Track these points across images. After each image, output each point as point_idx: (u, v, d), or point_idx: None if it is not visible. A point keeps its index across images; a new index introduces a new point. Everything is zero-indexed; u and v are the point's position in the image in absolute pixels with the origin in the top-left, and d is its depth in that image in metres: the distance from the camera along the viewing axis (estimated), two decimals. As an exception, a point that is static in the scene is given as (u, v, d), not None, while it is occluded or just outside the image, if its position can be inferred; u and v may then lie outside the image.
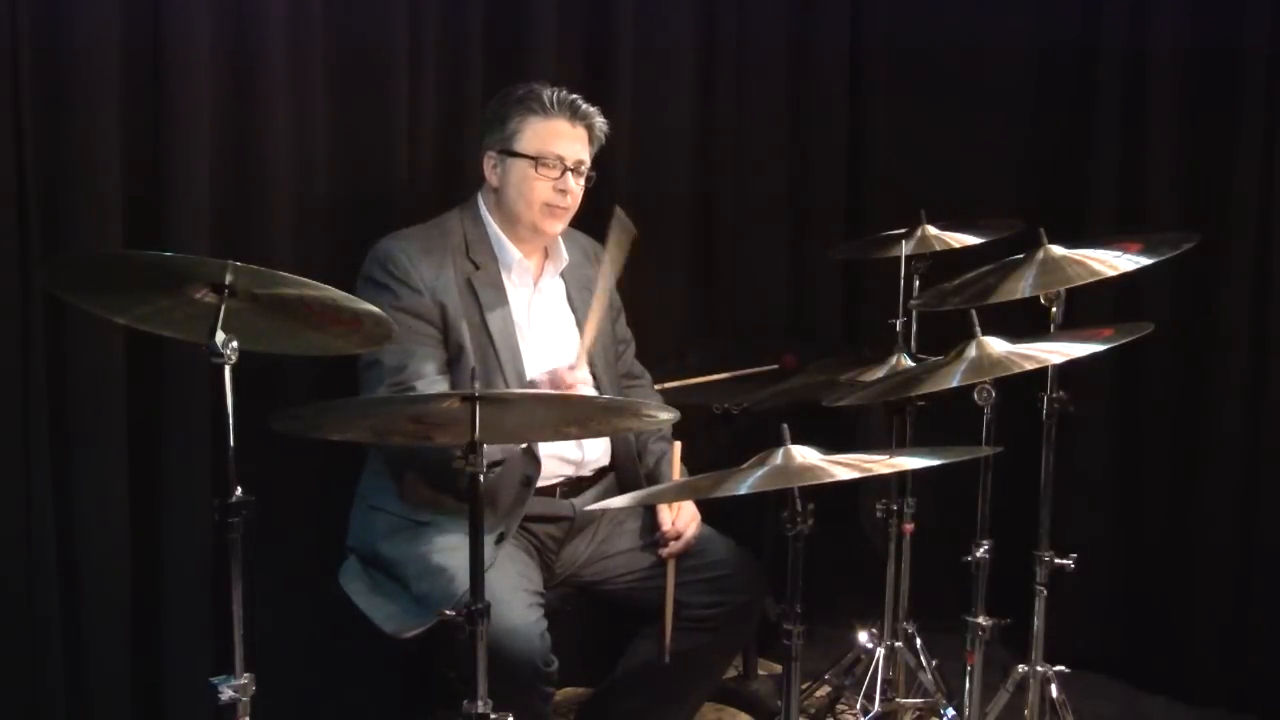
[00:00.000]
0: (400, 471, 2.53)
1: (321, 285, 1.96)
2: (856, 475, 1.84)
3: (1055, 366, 2.46)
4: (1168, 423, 3.35)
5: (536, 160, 2.55)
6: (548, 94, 2.57)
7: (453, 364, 2.52)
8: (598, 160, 2.66)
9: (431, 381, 2.46)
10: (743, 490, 1.81)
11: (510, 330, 2.59)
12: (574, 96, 2.60)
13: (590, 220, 2.70)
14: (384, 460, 2.56)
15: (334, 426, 2.08)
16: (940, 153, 3.68)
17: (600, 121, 2.63)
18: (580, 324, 2.70)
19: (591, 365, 2.68)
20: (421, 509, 2.51)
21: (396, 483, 2.54)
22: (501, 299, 2.60)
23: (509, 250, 2.62)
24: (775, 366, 3.24)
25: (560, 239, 2.68)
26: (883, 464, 1.90)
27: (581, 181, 2.60)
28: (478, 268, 2.59)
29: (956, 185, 3.57)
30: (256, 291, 1.94)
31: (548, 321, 2.68)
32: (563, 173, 2.56)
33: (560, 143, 2.57)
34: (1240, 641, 3.23)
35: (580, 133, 2.60)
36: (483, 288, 2.58)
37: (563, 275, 2.72)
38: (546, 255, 2.70)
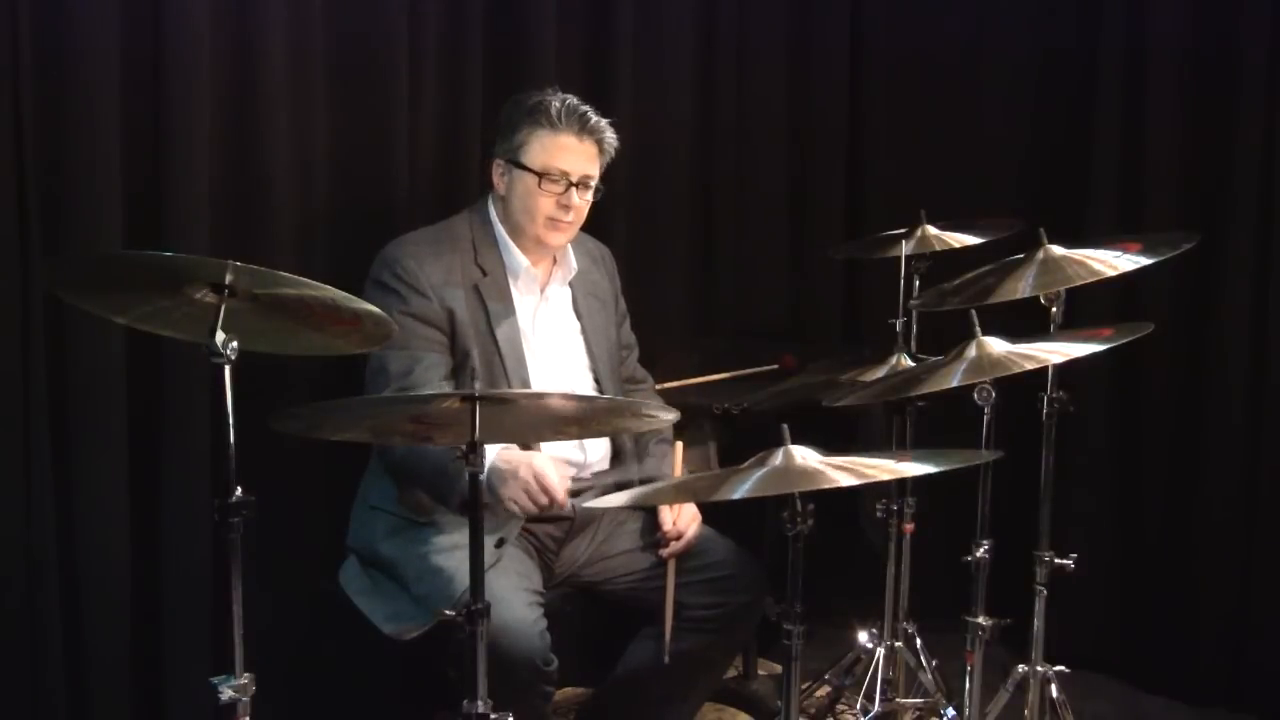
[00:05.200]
0: (400, 480, 2.53)
1: (321, 285, 1.96)
2: (856, 482, 1.83)
3: (1055, 366, 2.46)
4: (1168, 423, 3.35)
5: (541, 175, 2.52)
6: (556, 106, 2.53)
7: (458, 370, 2.50)
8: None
9: (439, 390, 2.44)
10: (739, 495, 1.80)
11: (516, 339, 2.58)
12: (584, 109, 2.56)
13: (591, 220, 2.69)
14: (385, 468, 2.56)
15: (334, 427, 2.08)
16: (940, 153, 3.68)
17: (610, 135, 2.58)
18: (585, 331, 2.70)
19: (595, 371, 2.68)
20: (421, 510, 2.51)
21: (396, 488, 2.54)
22: (509, 308, 2.59)
23: (517, 258, 2.61)
24: (775, 366, 3.23)
25: (569, 246, 2.66)
26: (882, 470, 1.89)
27: (588, 196, 2.57)
28: (485, 274, 2.58)
29: (956, 185, 3.57)
30: (256, 291, 1.94)
31: (553, 330, 2.67)
32: (567, 188, 2.53)
33: (566, 158, 2.53)
34: (1240, 641, 3.23)
35: (589, 147, 2.56)
36: (490, 295, 2.57)
37: (570, 282, 2.71)
38: (555, 262, 2.69)
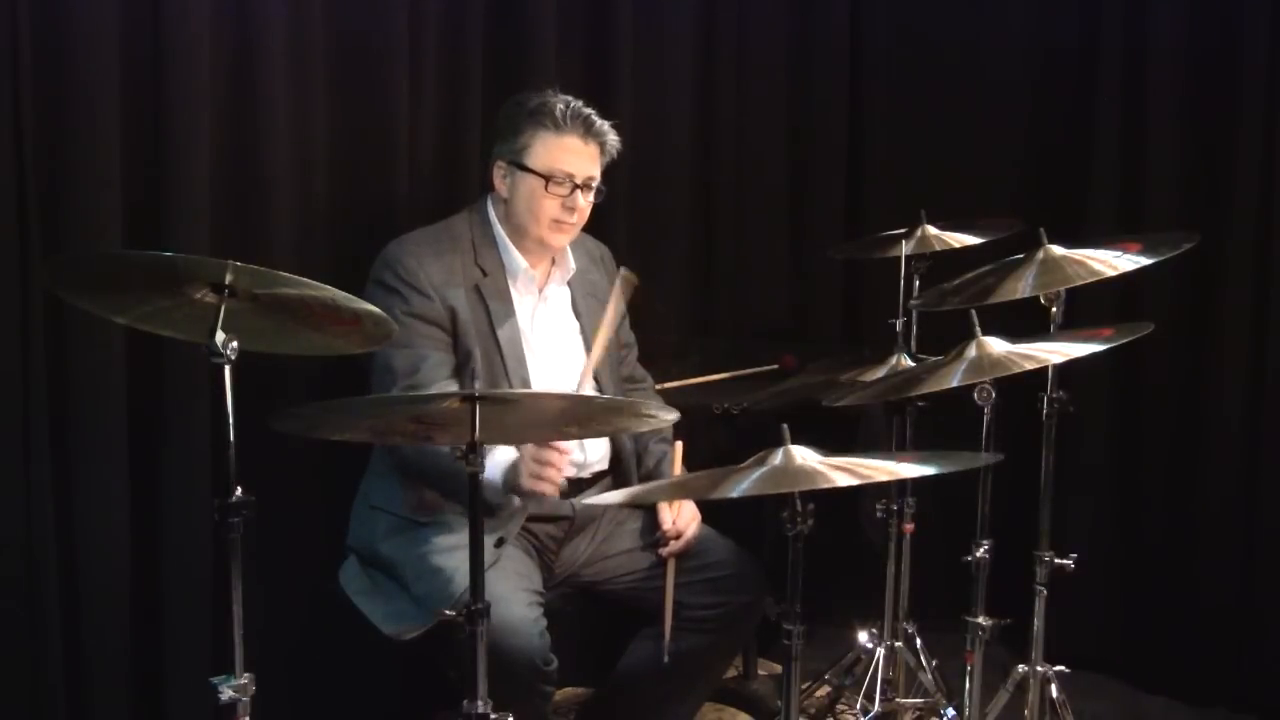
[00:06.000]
0: (409, 478, 2.53)
1: (321, 285, 1.95)
2: (855, 482, 1.83)
3: (1055, 366, 2.46)
4: (1167, 423, 3.35)
5: (547, 179, 2.53)
6: (560, 108, 2.53)
7: (460, 369, 2.50)
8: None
9: (445, 387, 2.45)
10: (737, 493, 1.80)
11: (517, 339, 2.58)
12: (587, 111, 2.56)
13: (592, 220, 2.69)
14: (394, 466, 2.55)
15: (334, 426, 2.08)
16: (940, 153, 3.68)
17: (613, 137, 2.59)
18: (584, 331, 2.70)
19: (595, 371, 2.68)
20: (423, 510, 2.51)
21: (402, 488, 2.54)
22: (508, 308, 2.59)
23: (516, 259, 2.61)
24: (775, 366, 3.24)
25: (568, 246, 2.66)
26: (881, 471, 1.88)
27: (591, 196, 2.58)
28: (485, 274, 2.59)
29: (956, 185, 3.58)
30: (256, 291, 1.94)
31: (552, 330, 2.67)
32: (572, 190, 2.54)
33: (571, 160, 2.54)
34: (1241, 641, 3.23)
35: (592, 150, 2.56)
36: (490, 295, 2.57)
37: (569, 282, 2.71)
38: (553, 263, 2.69)
